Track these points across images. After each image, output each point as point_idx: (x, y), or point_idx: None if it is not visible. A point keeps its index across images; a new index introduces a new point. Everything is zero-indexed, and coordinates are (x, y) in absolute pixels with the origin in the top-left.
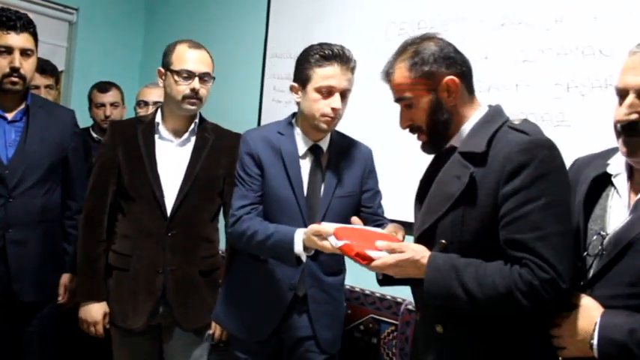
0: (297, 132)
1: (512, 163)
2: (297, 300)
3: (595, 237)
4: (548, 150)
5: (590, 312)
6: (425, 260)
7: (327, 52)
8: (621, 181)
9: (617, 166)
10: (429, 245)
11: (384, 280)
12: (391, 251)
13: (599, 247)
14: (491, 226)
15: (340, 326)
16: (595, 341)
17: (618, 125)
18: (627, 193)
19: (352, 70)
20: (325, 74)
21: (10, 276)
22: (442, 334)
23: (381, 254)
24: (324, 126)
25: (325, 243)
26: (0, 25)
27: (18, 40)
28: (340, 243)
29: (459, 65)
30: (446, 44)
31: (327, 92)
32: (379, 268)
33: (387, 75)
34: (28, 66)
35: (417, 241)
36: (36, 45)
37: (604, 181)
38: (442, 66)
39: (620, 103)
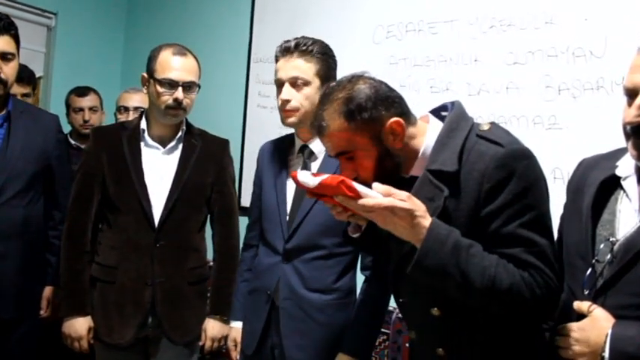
0: (295, 135)
1: (490, 181)
2: (276, 311)
3: (604, 243)
4: (526, 160)
5: (600, 323)
6: (424, 222)
7: (275, 50)
8: (631, 184)
9: (626, 168)
10: (406, 268)
11: (358, 239)
12: (389, 195)
13: (610, 254)
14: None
15: (321, 352)
16: (607, 354)
17: (628, 127)
18: (637, 197)
19: (303, 55)
20: (275, 71)
21: None
22: (444, 358)
23: (372, 193)
24: (285, 120)
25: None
26: None
27: None
28: (319, 178)
29: (397, 104)
30: (378, 83)
31: (278, 85)
32: (368, 207)
33: (320, 129)
34: (8, 70)
35: (398, 263)
36: (17, 48)
37: (612, 183)
38: (382, 109)
39: (629, 104)
